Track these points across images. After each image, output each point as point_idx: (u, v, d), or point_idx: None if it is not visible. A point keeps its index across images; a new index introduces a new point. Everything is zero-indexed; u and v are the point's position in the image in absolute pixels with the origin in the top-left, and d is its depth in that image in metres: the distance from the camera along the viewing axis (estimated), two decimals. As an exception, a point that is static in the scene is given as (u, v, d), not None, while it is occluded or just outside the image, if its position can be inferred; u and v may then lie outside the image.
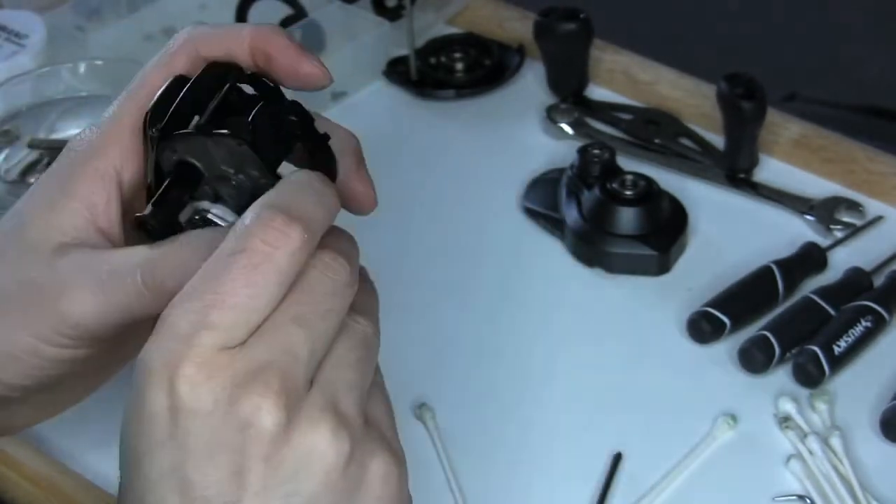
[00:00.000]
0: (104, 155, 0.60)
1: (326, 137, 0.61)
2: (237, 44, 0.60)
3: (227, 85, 0.59)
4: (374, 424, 0.51)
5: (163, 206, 0.58)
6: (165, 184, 0.58)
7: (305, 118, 0.61)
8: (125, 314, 0.58)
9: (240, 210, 0.59)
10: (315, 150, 0.61)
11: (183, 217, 0.59)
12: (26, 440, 0.75)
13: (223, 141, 0.57)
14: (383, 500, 0.50)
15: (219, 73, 0.60)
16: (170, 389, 0.48)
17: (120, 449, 0.51)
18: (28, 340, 0.59)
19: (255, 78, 0.61)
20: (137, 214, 0.58)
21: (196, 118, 0.59)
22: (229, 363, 0.48)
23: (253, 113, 0.58)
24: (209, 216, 0.59)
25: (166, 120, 0.58)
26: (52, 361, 0.60)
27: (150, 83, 0.61)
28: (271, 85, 0.60)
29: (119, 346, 0.64)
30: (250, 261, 0.49)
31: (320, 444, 0.49)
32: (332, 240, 0.52)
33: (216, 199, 0.60)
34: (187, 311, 0.49)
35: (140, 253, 0.58)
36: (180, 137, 0.58)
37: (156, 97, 0.59)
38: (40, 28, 0.97)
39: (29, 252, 0.60)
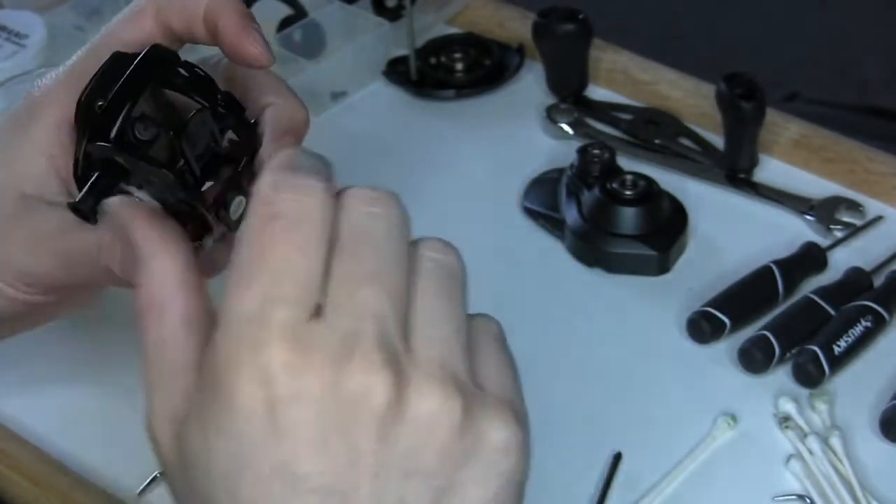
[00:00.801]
0: (60, 105, 0.61)
1: (255, 125, 0.62)
2: (195, 10, 0.60)
3: (162, 70, 0.60)
4: (487, 383, 0.47)
5: (94, 193, 0.59)
6: (95, 176, 0.60)
7: (236, 109, 0.62)
8: (85, 279, 0.61)
9: (164, 204, 0.61)
10: (243, 137, 0.62)
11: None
12: (26, 439, 0.75)
13: (156, 171, 0.59)
14: (502, 477, 0.46)
15: (159, 59, 0.61)
16: (265, 380, 0.44)
17: (202, 460, 0.46)
18: None
19: (190, 66, 0.61)
20: (69, 202, 0.60)
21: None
22: (317, 339, 0.44)
23: (185, 125, 0.59)
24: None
25: (102, 111, 0.59)
26: (9, 300, 0.63)
27: (116, 37, 0.61)
28: (202, 74, 0.61)
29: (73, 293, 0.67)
30: (288, 221, 0.45)
31: (432, 412, 0.45)
32: (354, 189, 0.48)
33: (141, 187, 0.61)
34: (248, 292, 0.45)
35: (96, 234, 0.58)
36: (114, 151, 0.59)
37: (94, 76, 0.60)
38: (40, 28, 0.97)
39: None
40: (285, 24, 1.00)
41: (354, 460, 0.44)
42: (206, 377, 0.45)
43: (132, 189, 0.62)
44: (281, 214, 0.46)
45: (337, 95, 1.00)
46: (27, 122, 0.62)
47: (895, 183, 0.90)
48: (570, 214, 0.87)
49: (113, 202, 0.56)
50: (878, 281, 0.83)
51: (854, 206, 0.89)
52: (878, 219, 0.89)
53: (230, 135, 0.62)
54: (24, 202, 0.61)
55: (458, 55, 1.01)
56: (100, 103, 0.59)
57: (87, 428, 0.76)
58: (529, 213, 0.90)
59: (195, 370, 0.47)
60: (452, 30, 1.05)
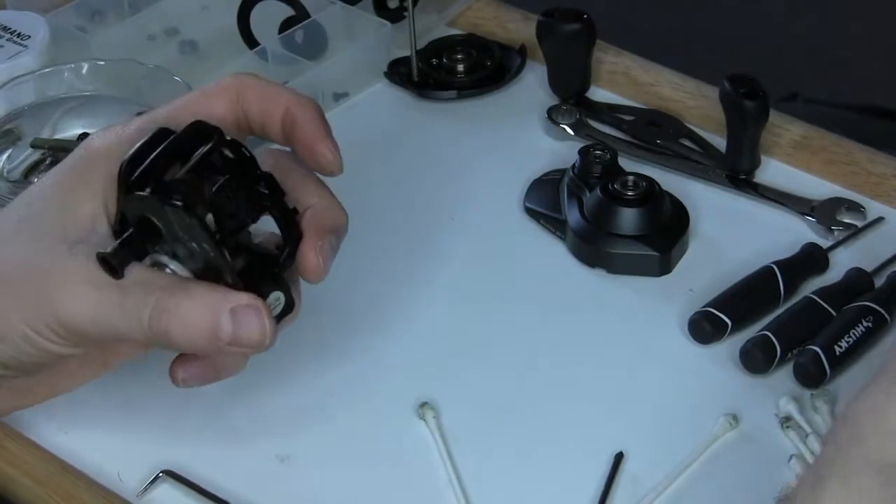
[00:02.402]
0: (118, 160, 0.63)
1: (295, 212, 0.65)
2: (275, 102, 0.63)
3: (210, 146, 0.62)
4: None
5: (125, 248, 0.62)
6: (129, 232, 0.62)
7: (276, 192, 0.63)
8: (118, 334, 0.62)
9: (195, 273, 0.63)
10: (284, 223, 0.65)
11: (145, 263, 0.64)
12: (29, 438, 0.75)
13: (176, 211, 0.60)
14: None
15: (201, 134, 0.63)
16: None
17: None
18: (20, 326, 0.63)
19: (236, 144, 0.63)
20: (98, 252, 0.62)
21: (174, 169, 0.63)
22: None
23: (214, 187, 0.62)
24: (167, 270, 0.64)
25: (139, 172, 0.62)
26: (40, 351, 0.63)
27: (188, 110, 0.64)
28: (248, 154, 0.63)
29: (104, 353, 0.68)
30: None
31: None
32: None
33: (174, 256, 0.64)
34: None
35: (153, 292, 0.61)
36: (140, 198, 0.62)
37: (135, 147, 0.63)
38: (43, 28, 0.97)
39: (42, 238, 0.63)
40: (287, 25, 1.00)
41: None
42: None
43: (163, 258, 0.63)
44: None
45: (338, 96, 1.00)
46: (85, 170, 0.63)
47: (896, 184, 0.91)
48: (572, 215, 0.87)
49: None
50: (879, 282, 0.83)
51: (855, 208, 0.89)
52: (879, 220, 0.89)
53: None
54: (70, 247, 0.62)
55: (459, 56, 1.01)
56: (135, 169, 0.62)
57: (91, 428, 0.76)
58: (531, 213, 0.90)
59: None
60: (454, 31, 1.05)
